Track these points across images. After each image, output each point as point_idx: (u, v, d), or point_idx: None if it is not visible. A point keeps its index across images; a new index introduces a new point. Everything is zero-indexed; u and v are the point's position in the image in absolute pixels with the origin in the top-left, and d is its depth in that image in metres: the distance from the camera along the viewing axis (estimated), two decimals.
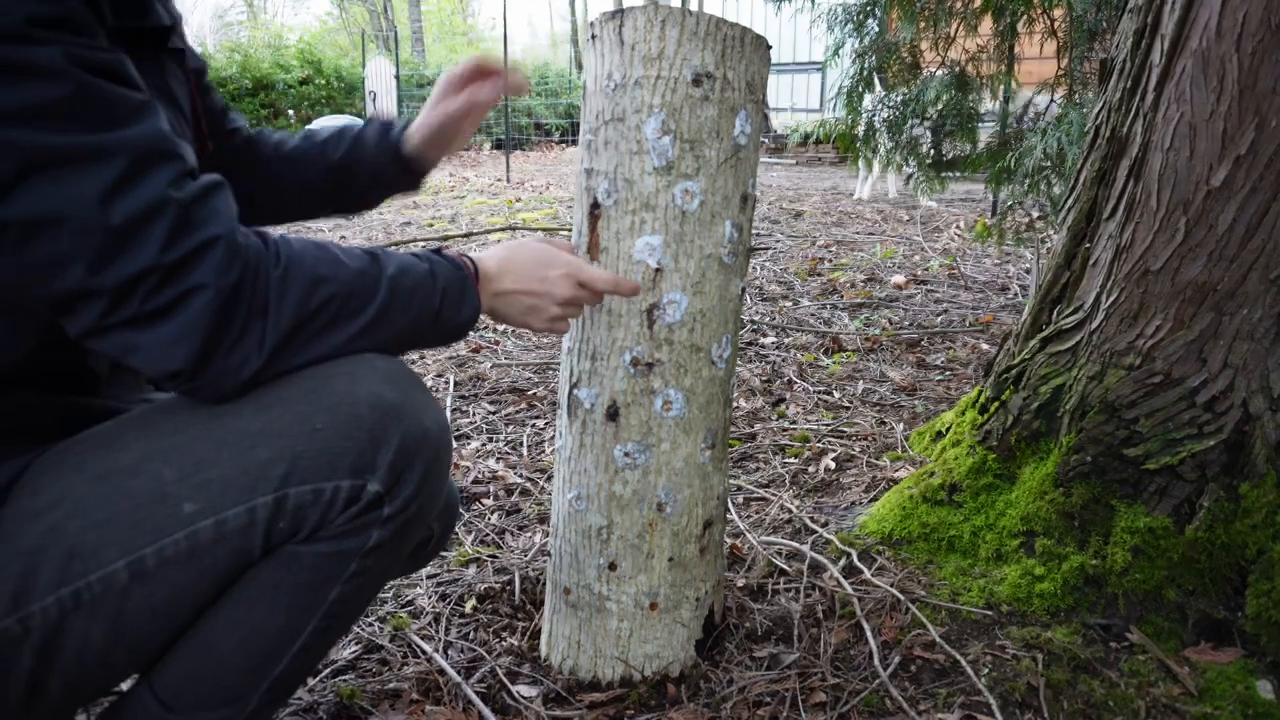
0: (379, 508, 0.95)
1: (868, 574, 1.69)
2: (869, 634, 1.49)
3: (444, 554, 1.82)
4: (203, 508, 0.89)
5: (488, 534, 1.93)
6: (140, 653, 0.93)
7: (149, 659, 0.95)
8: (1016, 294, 4.42)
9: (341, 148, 1.34)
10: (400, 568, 1.34)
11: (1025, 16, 3.57)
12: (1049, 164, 3.08)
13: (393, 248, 1.06)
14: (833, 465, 2.26)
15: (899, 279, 4.66)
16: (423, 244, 5.51)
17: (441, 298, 1.00)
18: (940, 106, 3.92)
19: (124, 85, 0.84)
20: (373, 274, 0.95)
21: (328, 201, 1.39)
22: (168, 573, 0.88)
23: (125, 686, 1.03)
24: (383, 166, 1.34)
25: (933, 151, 4.10)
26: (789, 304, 4.19)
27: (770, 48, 1.26)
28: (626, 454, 1.29)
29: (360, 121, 1.40)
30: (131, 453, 0.91)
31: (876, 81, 4.04)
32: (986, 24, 3.74)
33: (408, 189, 1.39)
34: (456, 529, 1.91)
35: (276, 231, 0.96)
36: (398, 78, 12.93)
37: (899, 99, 3.95)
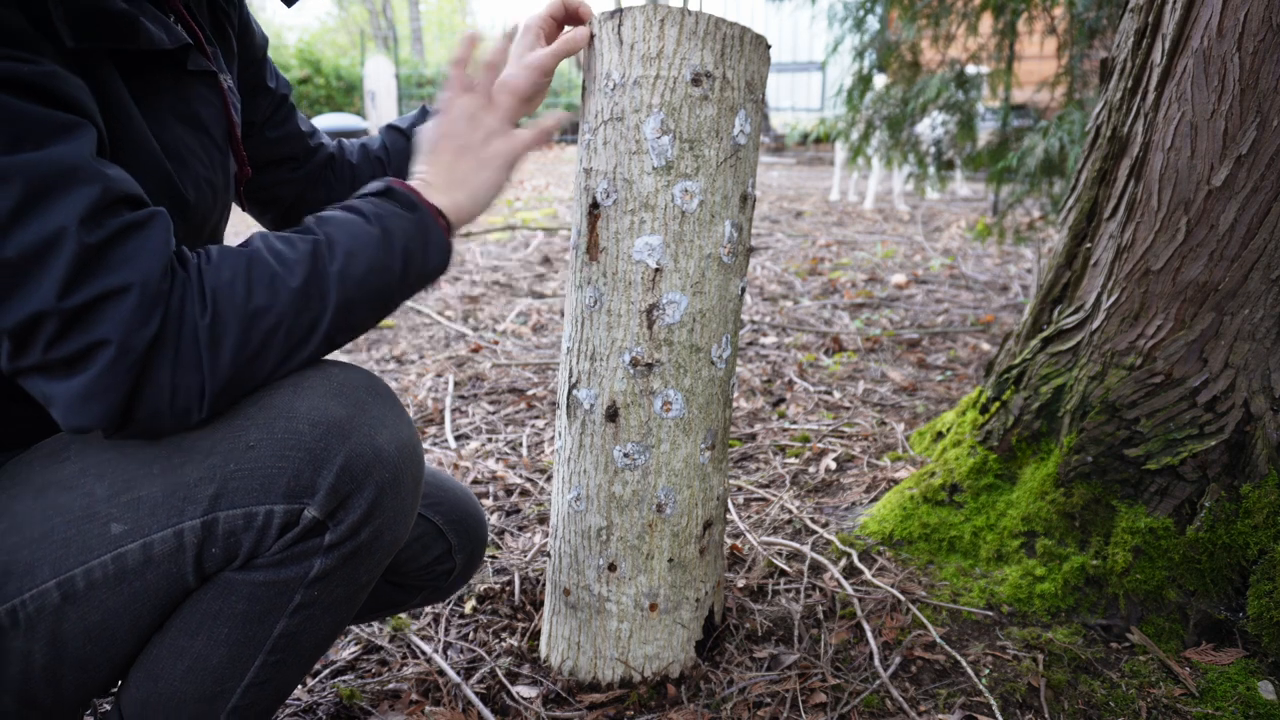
0: (319, 535, 0.87)
1: (868, 574, 1.68)
2: (869, 635, 1.49)
3: None
4: (130, 529, 0.83)
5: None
6: (91, 672, 0.88)
7: (106, 678, 0.90)
8: (1017, 294, 4.41)
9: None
10: (414, 600, 1.30)
11: (1025, 14, 3.57)
12: (1052, 163, 3.07)
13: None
14: (833, 465, 2.26)
15: (899, 279, 4.65)
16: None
17: (404, 261, 0.91)
18: (940, 105, 3.92)
19: (44, 103, 0.75)
20: (317, 281, 0.85)
21: None
22: (98, 595, 0.83)
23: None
24: None
25: (933, 150, 4.10)
26: (789, 304, 4.19)
27: (770, 47, 1.26)
28: (626, 455, 1.29)
29: (363, 121, 1.37)
30: (71, 465, 0.86)
31: (876, 79, 4.03)
32: (986, 22, 3.73)
33: None
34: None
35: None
36: (397, 77, 12.92)
37: (899, 96, 3.95)
